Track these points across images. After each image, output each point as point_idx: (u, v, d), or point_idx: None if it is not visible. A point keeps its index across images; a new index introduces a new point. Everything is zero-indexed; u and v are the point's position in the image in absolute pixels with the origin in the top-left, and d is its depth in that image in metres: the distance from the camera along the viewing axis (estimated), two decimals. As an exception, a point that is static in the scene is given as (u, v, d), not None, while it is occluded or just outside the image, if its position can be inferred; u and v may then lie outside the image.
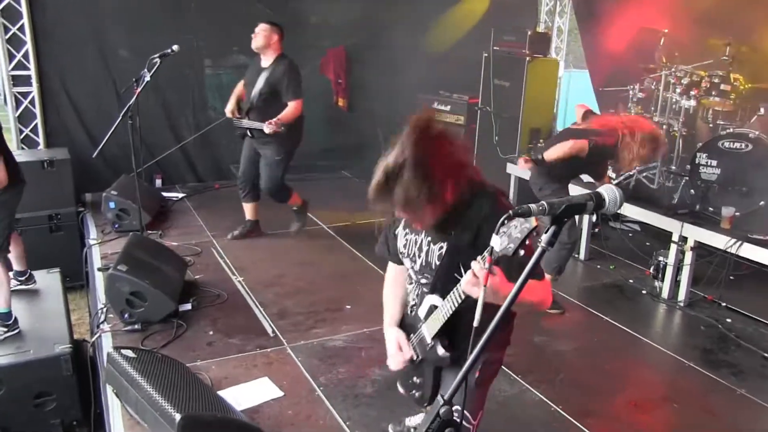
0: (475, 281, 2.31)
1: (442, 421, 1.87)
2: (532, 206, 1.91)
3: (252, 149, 7.13)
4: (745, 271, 6.58)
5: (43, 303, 5.70)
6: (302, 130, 7.07)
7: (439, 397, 1.92)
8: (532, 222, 1.99)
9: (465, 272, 2.64)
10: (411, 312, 3.09)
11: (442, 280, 2.79)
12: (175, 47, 6.12)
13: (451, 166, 2.58)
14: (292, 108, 6.71)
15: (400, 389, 3.39)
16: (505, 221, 1.97)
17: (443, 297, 2.76)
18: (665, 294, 6.38)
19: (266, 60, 6.81)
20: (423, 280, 2.92)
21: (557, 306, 5.96)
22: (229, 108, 7.06)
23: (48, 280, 6.04)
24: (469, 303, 2.49)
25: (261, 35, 6.70)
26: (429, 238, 2.82)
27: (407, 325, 3.09)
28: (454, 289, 2.61)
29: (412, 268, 2.96)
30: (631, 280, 6.80)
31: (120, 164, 8.49)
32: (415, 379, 3.14)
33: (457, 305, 2.64)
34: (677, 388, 4.90)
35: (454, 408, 2.76)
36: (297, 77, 6.79)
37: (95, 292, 5.95)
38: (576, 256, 7.33)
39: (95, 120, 8.77)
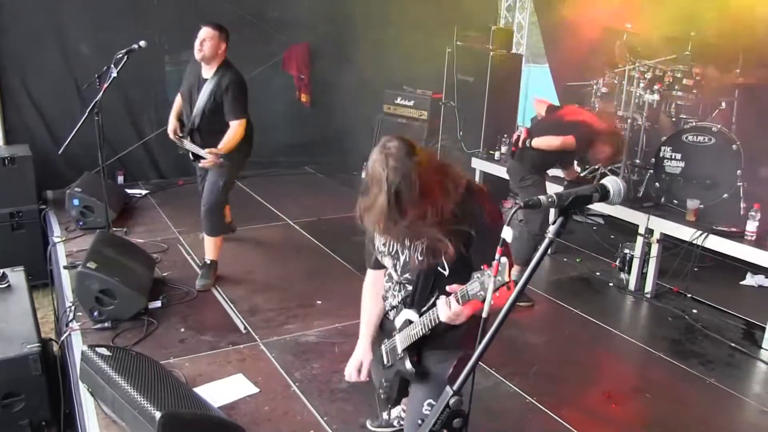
0: (450, 314, 2.52)
1: (451, 411, 1.89)
2: (542, 198, 1.94)
3: (203, 170, 6.26)
4: (710, 263, 6.68)
5: (8, 302, 5.56)
6: (252, 141, 6.12)
7: (447, 388, 1.94)
8: (506, 278, 2.18)
9: (446, 268, 2.69)
10: (389, 316, 3.12)
11: (423, 283, 2.85)
12: (142, 43, 5.99)
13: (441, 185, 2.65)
14: (234, 131, 5.75)
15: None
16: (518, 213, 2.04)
17: (419, 311, 2.85)
18: (632, 286, 6.46)
19: (208, 69, 5.83)
20: (404, 281, 2.94)
21: (527, 299, 6.02)
22: (170, 128, 6.19)
23: (12, 278, 5.92)
24: (438, 329, 2.70)
25: (209, 45, 5.68)
26: None
27: (385, 330, 3.16)
28: (430, 312, 2.71)
29: (394, 267, 2.97)
30: (597, 273, 6.88)
31: (80, 161, 8.37)
32: (383, 380, 3.21)
33: (429, 329, 2.74)
34: (648, 378, 4.97)
35: (427, 401, 2.84)
36: (244, 92, 5.81)
37: (61, 291, 5.86)
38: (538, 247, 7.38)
39: (55, 117, 8.66)
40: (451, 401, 1.89)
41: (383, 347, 3.10)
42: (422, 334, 2.78)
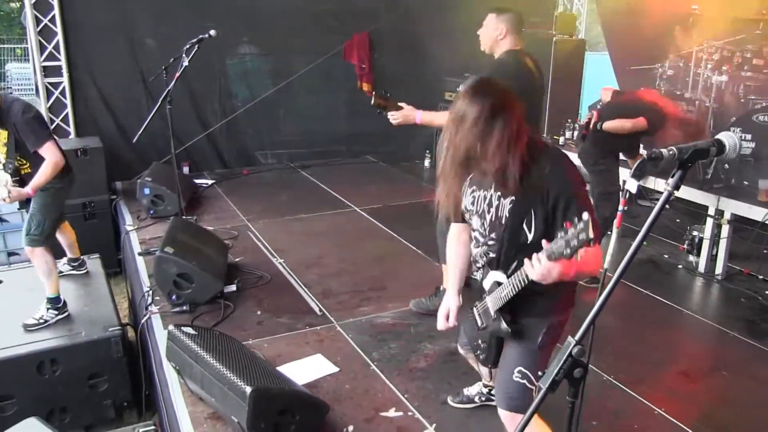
0: (542, 270, 2.52)
1: (573, 360, 1.94)
2: (663, 150, 1.98)
3: None
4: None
5: (88, 287, 5.77)
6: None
7: (570, 338, 1.98)
8: (590, 234, 2.25)
9: (533, 230, 2.71)
10: (476, 276, 3.14)
11: (507, 244, 2.85)
12: (212, 32, 6.05)
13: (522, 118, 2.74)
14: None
15: (461, 350, 3.53)
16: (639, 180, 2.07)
17: (506, 272, 2.86)
18: (701, 268, 6.40)
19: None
20: (490, 242, 2.94)
21: (595, 279, 5.98)
22: None
23: (90, 265, 6.11)
24: (530, 293, 2.73)
25: (482, 33, 4.75)
26: (498, 193, 2.85)
27: (474, 290, 3.15)
28: (518, 272, 2.71)
29: (481, 226, 2.98)
30: (665, 255, 6.82)
31: (146, 152, 8.60)
32: (480, 341, 3.21)
33: (519, 289, 2.74)
34: (724, 357, 4.92)
35: (517, 369, 2.86)
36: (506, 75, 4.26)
37: (137, 277, 5.99)
38: (608, 233, 7.35)
39: (122, 109, 8.91)
40: (574, 350, 1.94)
41: (475, 310, 3.11)
42: (513, 295, 2.79)
